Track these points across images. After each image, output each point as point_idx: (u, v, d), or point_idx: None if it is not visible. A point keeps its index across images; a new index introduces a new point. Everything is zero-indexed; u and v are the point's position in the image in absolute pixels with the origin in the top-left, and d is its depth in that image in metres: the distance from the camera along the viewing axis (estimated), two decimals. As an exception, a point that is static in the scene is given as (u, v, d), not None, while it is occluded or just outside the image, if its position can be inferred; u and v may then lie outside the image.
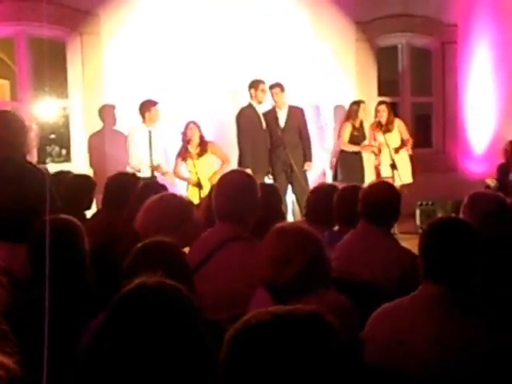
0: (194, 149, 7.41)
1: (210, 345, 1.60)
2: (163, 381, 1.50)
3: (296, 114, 8.04)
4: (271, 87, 7.95)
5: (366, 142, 8.39)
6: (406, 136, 8.47)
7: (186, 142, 7.41)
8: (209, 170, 7.40)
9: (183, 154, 7.46)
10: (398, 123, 8.47)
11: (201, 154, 7.43)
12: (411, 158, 8.42)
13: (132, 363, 1.50)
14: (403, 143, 8.39)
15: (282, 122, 7.97)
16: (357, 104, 8.37)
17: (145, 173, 7.06)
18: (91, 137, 7.99)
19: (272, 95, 7.95)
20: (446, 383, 2.15)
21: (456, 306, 2.25)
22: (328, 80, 8.83)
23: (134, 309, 1.57)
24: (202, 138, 7.50)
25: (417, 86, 9.94)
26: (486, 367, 2.15)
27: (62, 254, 2.64)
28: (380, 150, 8.27)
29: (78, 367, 1.93)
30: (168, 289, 1.62)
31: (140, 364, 1.50)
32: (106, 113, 7.96)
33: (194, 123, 7.49)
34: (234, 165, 7.44)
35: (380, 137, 8.28)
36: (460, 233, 2.36)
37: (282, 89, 7.96)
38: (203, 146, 7.46)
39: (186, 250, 3.13)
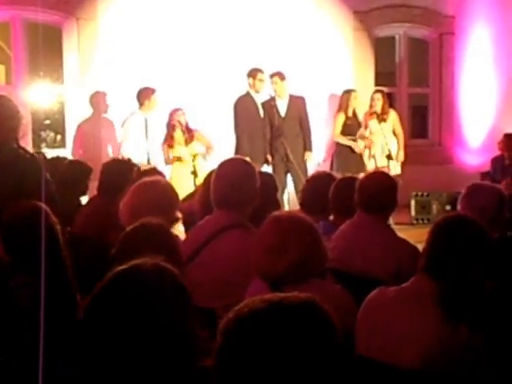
0: (181, 135, 7.40)
1: (190, 332, 1.61)
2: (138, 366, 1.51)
3: (297, 103, 8.00)
4: (271, 76, 7.91)
5: (361, 131, 8.33)
6: (399, 129, 8.33)
7: (172, 128, 7.40)
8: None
9: (169, 141, 7.45)
10: (393, 115, 8.36)
11: (189, 140, 7.42)
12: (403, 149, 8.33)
13: (114, 346, 1.51)
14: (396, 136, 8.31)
15: (282, 112, 7.94)
16: (348, 93, 8.30)
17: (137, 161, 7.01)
18: (83, 123, 7.94)
19: (271, 84, 7.91)
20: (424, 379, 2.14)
21: (447, 306, 2.23)
22: (325, 70, 8.81)
23: (122, 290, 1.56)
24: (187, 125, 7.49)
25: (414, 76, 9.93)
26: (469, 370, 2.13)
27: (35, 238, 2.62)
28: (370, 145, 8.22)
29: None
30: (164, 274, 1.61)
31: (121, 347, 1.50)
32: (99, 99, 7.91)
33: (180, 110, 7.47)
34: (222, 152, 7.40)
35: (373, 125, 8.21)
36: (473, 233, 2.33)
37: (282, 77, 7.90)
38: (189, 132, 7.47)
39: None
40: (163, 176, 4.07)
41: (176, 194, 3.41)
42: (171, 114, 7.46)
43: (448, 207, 8.00)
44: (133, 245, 2.33)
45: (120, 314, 1.52)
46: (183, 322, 1.57)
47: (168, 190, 3.36)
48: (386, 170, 7.25)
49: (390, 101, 8.70)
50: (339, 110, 8.33)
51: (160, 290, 1.57)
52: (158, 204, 3.16)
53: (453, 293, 2.24)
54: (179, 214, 3.36)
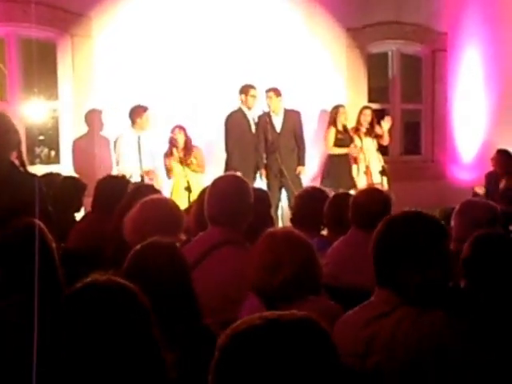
0: (178, 153, 7.43)
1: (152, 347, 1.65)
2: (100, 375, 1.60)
3: (293, 117, 8.06)
4: (267, 91, 7.96)
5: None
6: (386, 141, 8.60)
7: (172, 145, 7.44)
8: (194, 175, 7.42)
9: (170, 156, 7.50)
10: (378, 131, 8.53)
11: (185, 158, 7.44)
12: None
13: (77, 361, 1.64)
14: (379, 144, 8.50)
15: (277, 127, 7.98)
16: (336, 108, 8.46)
17: (133, 178, 7.01)
18: (78, 140, 7.95)
19: (266, 98, 7.95)
20: None
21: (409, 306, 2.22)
22: (318, 86, 8.85)
23: (79, 307, 1.70)
24: (187, 142, 7.53)
25: (407, 93, 9.98)
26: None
27: (30, 256, 2.61)
28: (357, 159, 8.38)
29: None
30: (115, 288, 1.70)
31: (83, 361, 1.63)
32: (93, 118, 7.92)
33: (180, 127, 7.51)
34: (214, 168, 7.43)
35: (357, 141, 8.39)
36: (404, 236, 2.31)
37: (278, 94, 7.95)
38: (188, 149, 7.49)
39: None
40: (158, 192, 4.06)
41: (182, 216, 3.40)
42: (172, 131, 7.51)
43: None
44: (143, 263, 2.33)
45: (76, 329, 1.66)
46: (142, 337, 1.62)
47: (175, 211, 3.36)
48: (379, 186, 7.28)
49: (378, 118, 8.76)
50: (329, 125, 8.46)
51: (112, 305, 1.64)
52: (165, 223, 3.16)
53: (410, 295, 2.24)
54: (183, 237, 3.36)
